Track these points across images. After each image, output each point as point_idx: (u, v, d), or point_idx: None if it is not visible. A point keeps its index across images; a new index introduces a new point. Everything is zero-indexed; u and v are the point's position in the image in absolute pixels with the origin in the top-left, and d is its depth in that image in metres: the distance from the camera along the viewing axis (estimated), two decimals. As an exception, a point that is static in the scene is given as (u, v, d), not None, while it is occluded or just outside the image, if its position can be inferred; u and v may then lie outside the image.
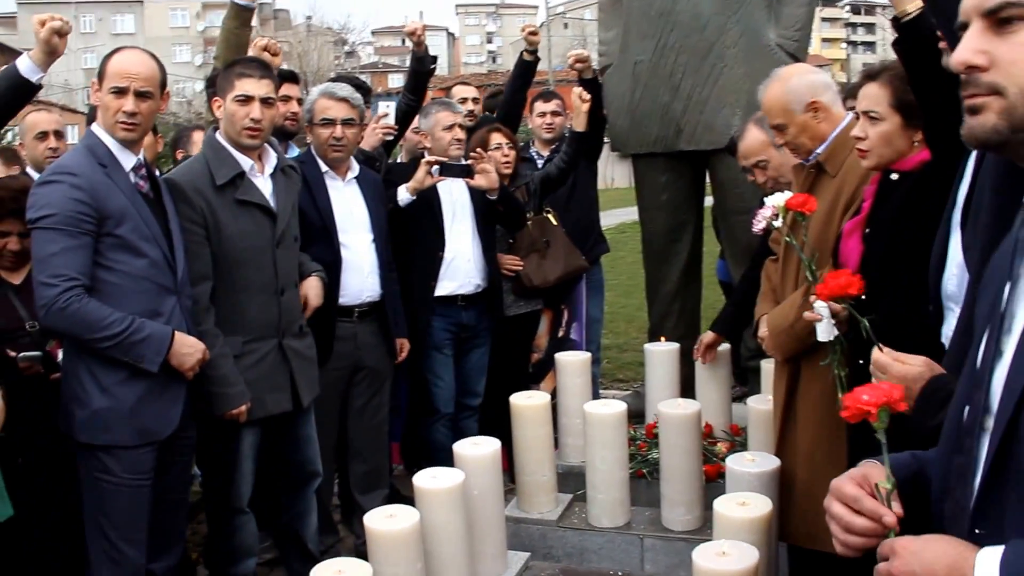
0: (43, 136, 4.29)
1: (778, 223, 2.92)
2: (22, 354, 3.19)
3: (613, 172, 25.82)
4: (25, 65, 3.10)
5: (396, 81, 46.75)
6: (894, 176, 2.72)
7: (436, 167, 4.31)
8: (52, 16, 3.11)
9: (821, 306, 2.82)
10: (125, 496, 2.99)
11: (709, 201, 5.51)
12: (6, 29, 63.19)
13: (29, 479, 2.97)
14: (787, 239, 2.96)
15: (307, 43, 47.38)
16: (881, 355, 1.54)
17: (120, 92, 3.02)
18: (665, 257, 5.30)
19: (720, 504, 2.97)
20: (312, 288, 3.70)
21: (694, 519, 3.73)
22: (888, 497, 1.40)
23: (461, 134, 4.54)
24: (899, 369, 1.75)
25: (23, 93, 3.15)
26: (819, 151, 3.14)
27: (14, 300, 3.30)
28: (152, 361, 2.94)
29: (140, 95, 3.04)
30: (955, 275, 2.01)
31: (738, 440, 4.37)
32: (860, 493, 1.42)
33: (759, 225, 2.99)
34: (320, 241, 3.94)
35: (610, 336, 7.93)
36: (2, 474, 2.70)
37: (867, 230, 2.75)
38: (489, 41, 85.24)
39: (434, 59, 5.11)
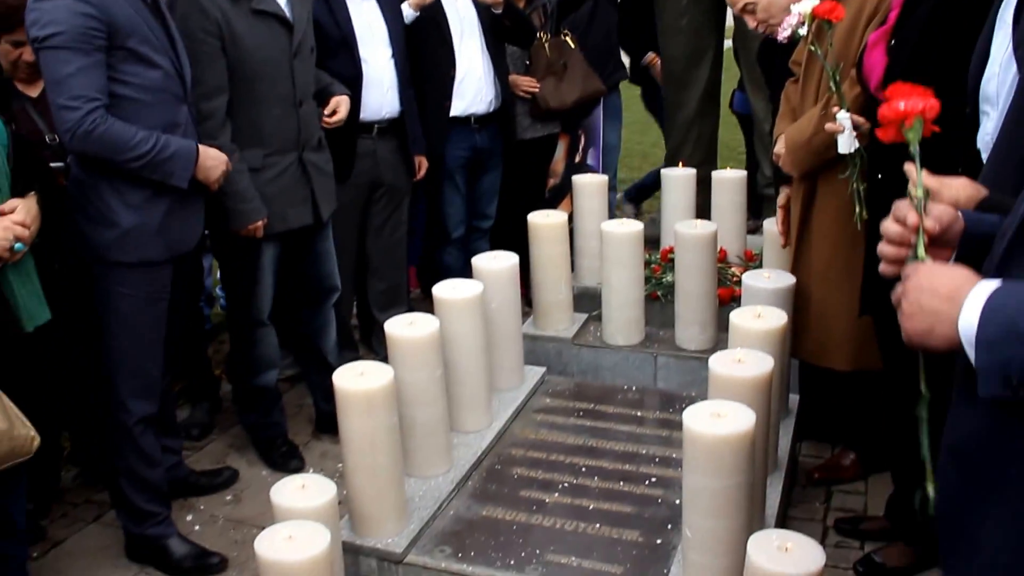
0: None
1: (803, 30, 2.85)
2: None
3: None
4: None
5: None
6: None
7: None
8: None
9: (843, 116, 2.78)
10: (147, 311, 3.01)
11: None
12: None
13: (63, 284, 2.97)
14: (811, 47, 2.90)
15: None
16: (930, 178, 1.52)
17: None
18: (684, 83, 5.21)
19: (736, 316, 3.00)
20: (344, 102, 3.65)
21: (707, 339, 3.79)
22: (920, 206, 1.44)
23: None
24: (949, 193, 1.71)
25: None
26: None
27: (32, 113, 3.23)
28: (181, 177, 2.90)
29: None
30: (996, 75, 1.95)
31: (752, 266, 4.39)
32: (903, 203, 1.47)
33: (784, 32, 2.92)
34: (340, 55, 3.86)
35: (624, 171, 7.84)
36: (39, 279, 2.72)
37: (892, 41, 2.67)
38: None
39: None
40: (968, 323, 1.23)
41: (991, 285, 1.24)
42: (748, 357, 2.66)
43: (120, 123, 2.78)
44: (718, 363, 2.65)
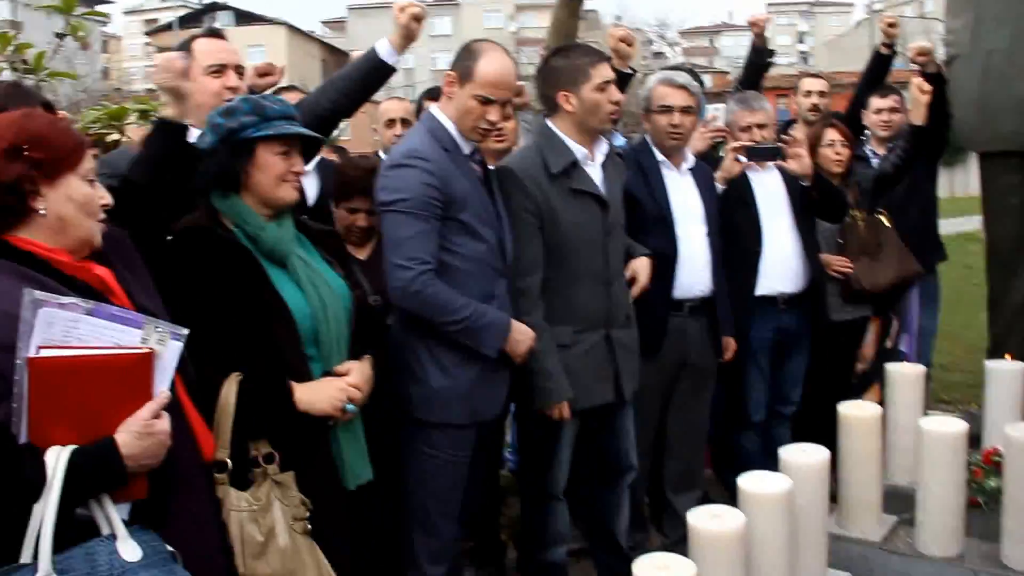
0: (391, 123, 4.50)
1: None
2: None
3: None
4: (384, 49, 3.21)
5: (704, 81, 46.35)
6: None
7: (743, 152, 4.16)
8: (412, 3, 3.21)
9: None
10: (448, 473, 3.09)
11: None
12: (336, 33, 68.38)
13: (383, 443, 3.06)
14: None
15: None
16: None
17: (487, 101, 3.07)
18: (1012, 267, 4.84)
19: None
20: (643, 268, 3.64)
21: (1041, 559, 3.38)
22: None
23: (764, 133, 4.32)
24: None
25: (381, 75, 3.26)
26: None
27: (359, 274, 3.43)
28: (491, 346, 3.01)
29: (504, 104, 3.13)
30: None
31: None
32: None
33: None
34: (656, 232, 3.86)
35: (933, 353, 7.43)
36: (365, 439, 2.82)
37: None
38: (800, 41, 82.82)
39: (771, 52, 4.95)
40: None
41: None
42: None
43: (445, 288, 2.94)
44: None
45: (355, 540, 2.75)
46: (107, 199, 2.13)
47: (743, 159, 4.17)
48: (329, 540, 2.58)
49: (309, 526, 2.53)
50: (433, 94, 3.88)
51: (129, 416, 1.91)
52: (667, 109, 3.92)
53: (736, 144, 4.19)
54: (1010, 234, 4.83)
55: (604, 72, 3.39)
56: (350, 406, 2.64)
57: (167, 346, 1.98)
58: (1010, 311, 4.89)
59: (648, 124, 4.04)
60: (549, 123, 3.50)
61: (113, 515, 1.90)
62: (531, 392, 3.34)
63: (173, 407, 2.02)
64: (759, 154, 4.19)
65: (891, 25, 5.24)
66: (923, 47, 4.98)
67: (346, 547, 2.69)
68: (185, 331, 2.02)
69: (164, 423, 1.96)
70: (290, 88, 4.95)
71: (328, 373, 2.67)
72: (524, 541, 3.80)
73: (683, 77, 3.99)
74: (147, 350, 1.94)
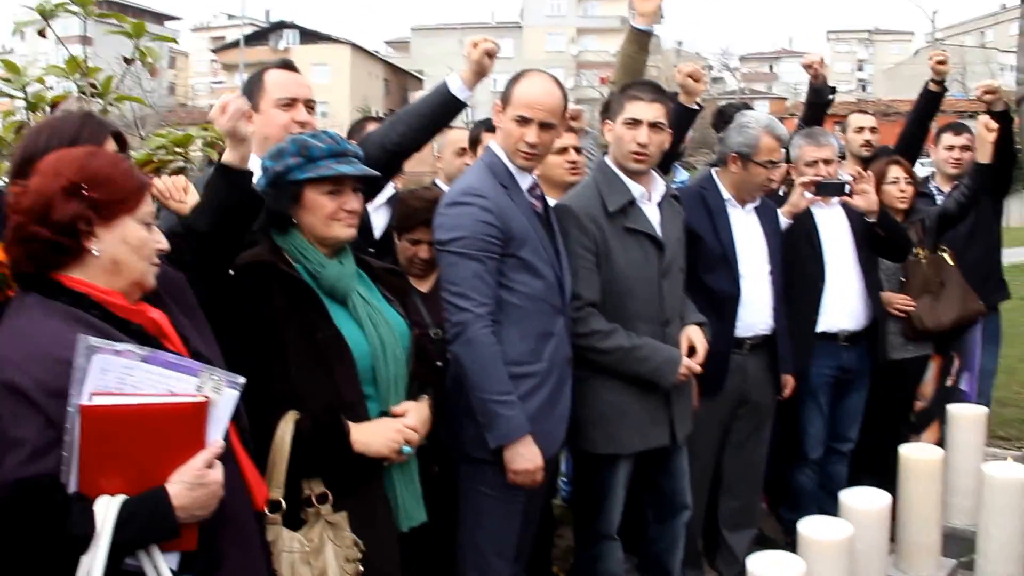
0: (462, 152, 4.51)
1: None
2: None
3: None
4: (456, 85, 3.20)
5: (762, 107, 46.04)
6: None
7: (811, 187, 4.13)
8: (485, 39, 3.21)
9: None
10: (503, 511, 3.06)
11: None
12: (400, 53, 68.95)
13: (441, 486, 3.04)
14: None
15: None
16: None
17: (524, 121, 3.05)
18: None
19: None
20: (698, 338, 3.51)
21: (1104, 609, 3.32)
22: None
23: (829, 168, 4.28)
24: None
25: (452, 110, 3.25)
26: None
27: (421, 307, 3.44)
28: (493, 440, 2.95)
29: (543, 126, 3.07)
30: None
31: None
32: None
33: None
34: (719, 270, 3.85)
35: (992, 391, 7.30)
36: (420, 480, 2.79)
37: None
38: (860, 69, 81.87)
39: (832, 90, 4.92)
40: None
41: None
42: None
43: (497, 354, 2.93)
44: None
45: None
46: (163, 244, 2.11)
47: (810, 194, 4.16)
48: None
49: (361, 568, 2.51)
50: (490, 125, 3.88)
51: (182, 465, 1.87)
52: (774, 164, 3.92)
53: (804, 179, 4.18)
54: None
55: (636, 110, 3.36)
56: (406, 448, 2.61)
57: (222, 394, 1.94)
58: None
59: (741, 170, 3.94)
60: (607, 160, 3.51)
61: (162, 566, 1.86)
62: (586, 435, 3.35)
63: (226, 455, 1.98)
64: (827, 189, 4.17)
65: (940, 63, 5.18)
66: (991, 85, 4.91)
67: None
68: (242, 380, 1.99)
69: (217, 473, 1.92)
70: (374, 119, 4.99)
71: (385, 413, 2.65)
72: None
73: (782, 129, 3.98)
74: (202, 399, 1.90)
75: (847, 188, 4.15)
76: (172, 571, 1.88)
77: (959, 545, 3.82)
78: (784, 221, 4.15)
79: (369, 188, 2.90)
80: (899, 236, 4.38)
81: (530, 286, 3.02)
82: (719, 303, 3.81)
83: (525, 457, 2.96)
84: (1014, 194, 10.83)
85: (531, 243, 3.03)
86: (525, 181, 3.15)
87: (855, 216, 4.30)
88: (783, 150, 3.98)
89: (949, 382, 4.88)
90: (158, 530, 1.85)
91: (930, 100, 5.25)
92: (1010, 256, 13.27)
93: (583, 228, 3.32)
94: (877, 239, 4.31)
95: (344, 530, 2.52)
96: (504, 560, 3.08)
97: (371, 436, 2.56)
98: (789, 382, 4.11)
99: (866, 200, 4.17)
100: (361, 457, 2.55)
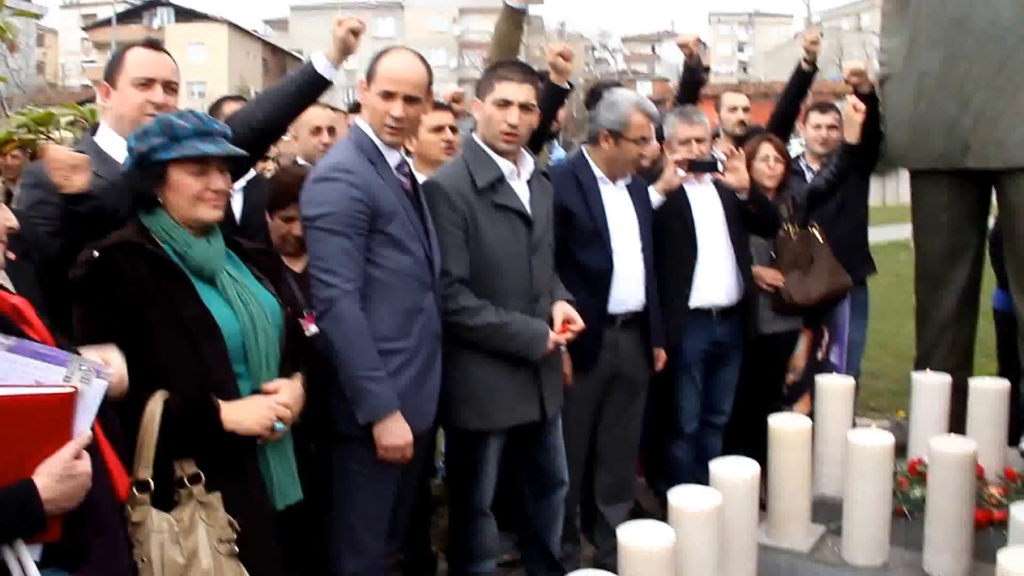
0: (317, 131, 4.44)
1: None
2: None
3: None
4: (321, 63, 3.18)
5: (644, 88, 46.74)
6: None
7: (684, 164, 4.21)
8: (351, 17, 3.20)
9: None
10: (376, 489, 3.05)
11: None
12: (279, 32, 67.78)
13: (317, 465, 3.00)
14: None
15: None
16: None
17: (389, 96, 3.05)
18: (940, 281, 4.94)
19: (1007, 558, 2.69)
20: (573, 314, 3.52)
21: (960, 568, 3.45)
22: None
23: (702, 146, 4.37)
24: None
25: (317, 88, 3.23)
26: None
27: (294, 287, 3.38)
28: (362, 416, 2.96)
29: (408, 100, 3.07)
30: None
31: (1014, 486, 4.03)
32: None
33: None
34: (592, 247, 3.87)
35: (862, 361, 7.58)
36: (295, 458, 2.76)
37: None
38: (740, 51, 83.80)
39: (706, 69, 5.01)
40: None
41: None
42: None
43: (365, 330, 2.92)
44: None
45: (284, 561, 2.70)
46: (12, 222, 2.05)
47: (683, 171, 4.21)
48: (256, 562, 2.51)
49: (236, 548, 2.47)
50: (358, 108, 3.84)
51: (48, 457, 1.84)
52: (645, 141, 3.96)
53: (677, 157, 4.23)
54: (938, 250, 4.93)
55: (506, 90, 3.36)
56: (279, 425, 2.59)
57: (91, 385, 1.90)
58: (937, 324, 4.99)
59: (612, 147, 3.96)
60: (475, 137, 3.49)
61: (26, 558, 1.82)
62: (450, 409, 3.34)
63: (90, 445, 1.94)
64: (700, 167, 4.25)
65: (812, 43, 5.36)
66: (858, 68, 5.08)
67: (274, 569, 2.63)
68: (110, 370, 1.96)
69: (85, 464, 1.89)
70: (233, 98, 4.87)
71: (257, 391, 2.62)
72: (453, 555, 3.79)
73: (653, 107, 4.00)
74: (70, 389, 1.86)
75: (719, 166, 4.23)
76: (36, 563, 1.83)
77: (828, 512, 3.91)
78: (656, 198, 4.20)
79: (238, 169, 2.87)
80: (769, 213, 4.49)
81: (398, 262, 3.01)
82: (592, 279, 3.84)
83: (395, 433, 2.95)
84: (892, 173, 11.23)
85: (399, 219, 3.01)
86: (393, 158, 3.13)
87: (727, 194, 4.38)
88: (653, 127, 4.01)
89: (819, 355, 5.03)
90: (25, 523, 1.82)
91: (802, 80, 5.41)
92: (886, 233, 13.81)
93: (452, 205, 3.30)
94: (748, 216, 4.40)
95: (217, 510, 2.48)
96: (377, 538, 3.06)
97: (242, 414, 2.52)
98: (661, 356, 4.18)
99: (737, 177, 4.26)
100: (233, 436, 2.50)
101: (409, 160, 3.46)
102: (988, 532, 3.67)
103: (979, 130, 4.59)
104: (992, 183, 4.71)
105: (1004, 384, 4.21)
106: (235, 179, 2.99)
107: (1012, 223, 4.65)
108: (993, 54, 4.53)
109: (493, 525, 3.60)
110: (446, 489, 4.24)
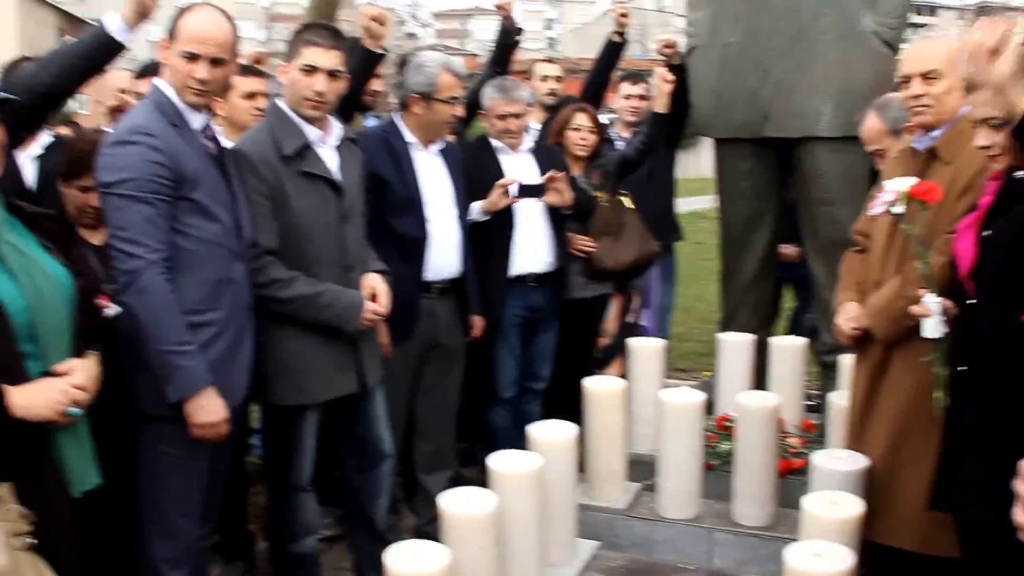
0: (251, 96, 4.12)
1: (897, 209, 2.79)
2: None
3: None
4: (114, 24, 2.98)
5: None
6: (1022, 174, 2.55)
7: (513, 187, 4.22)
8: None
9: (932, 301, 2.69)
10: (185, 469, 2.90)
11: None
12: (76, 1, 64.16)
13: (115, 446, 2.79)
14: (904, 227, 2.83)
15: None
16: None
17: (193, 57, 2.85)
18: (742, 246, 5.16)
19: (810, 503, 2.84)
20: (380, 286, 3.44)
21: (766, 515, 3.65)
22: None
23: (514, 124, 4.39)
24: None
25: (110, 52, 3.03)
26: (936, 134, 3.00)
27: (93, 260, 3.16)
28: (173, 394, 2.79)
29: (214, 62, 2.88)
30: None
31: (810, 436, 4.27)
32: None
33: (877, 209, 2.87)
34: (407, 214, 3.81)
35: (670, 326, 7.87)
36: (92, 441, 2.58)
37: (985, 232, 2.57)
38: (548, 28, 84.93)
39: (519, 31, 5.02)
40: None
41: None
42: (827, 550, 2.50)
43: (173, 302, 2.75)
44: (795, 557, 2.48)
45: (86, 550, 2.52)
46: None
47: (512, 193, 4.22)
48: (56, 553, 2.33)
49: (32, 541, 2.27)
50: (153, 69, 3.62)
51: None
52: (454, 101, 3.89)
53: (505, 180, 4.20)
54: (741, 215, 5.14)
55: (313, 56, 3.22)
56: (73, 409, 2.39)
57: None
58: (741, 286, 5.21)
59: (422, 109, 3.88)
60: (280, 102, 3.34)
61: None
62: (265, 386, 3.25)
63: None
64: (527, 191, 4.27)
65: (623, 15, 5.50)
66: (669, 40, 5.23)
67: (75, 559, 2.46)
68: None
69: None
70: (26, 59, 4.57)
71: (48, 373, 2.40)
72: (272, 533, 3.67)
73: (460, 65, 3.95)
74: None
75: (544, 190, 4.29)
76: None
77: (643, 470, 4.03)
78: (481, 216, 4.21)
79: (21, 130, 2.67)
80: (586, 207, 4.58)
81: (205, 230, 2.84)
82: (407, 247, 3.79)
83: (208, 410, 2.81)
84: (692, 148, 11.67)
85: (205, 185, 2.84)
86: (197, 120, 2.94)
87: (543, 164, 4.41)
88: (462, 85, 3.98)
89: (630, 319, 5.16)
90: None
91: (612, 50, 5.54)
92: (690, 204, 14.31)
93: (258, 173, 3.17)
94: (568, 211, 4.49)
95: (9, 502, 2.26)
96: (191, 520, 2.92)
97: (32, 399, 2.30)
98: (477, 323, 4.18)
99: (560, 197, 4.31)
100: (23, 422, 2.29)
101: (218, 128, 3.33)
102: (789, 480, 3.88)
103: (777, 101, 4.81)
104: (789, 152, 4.94)
105: (802, 342, 4.45)
106: (17, 143, 2.78)
107: (806, 189, 4.90)
108: (790, 28, 4.75)
109: (313, 501, 3.50)
110: (262, 466, 4.12)
